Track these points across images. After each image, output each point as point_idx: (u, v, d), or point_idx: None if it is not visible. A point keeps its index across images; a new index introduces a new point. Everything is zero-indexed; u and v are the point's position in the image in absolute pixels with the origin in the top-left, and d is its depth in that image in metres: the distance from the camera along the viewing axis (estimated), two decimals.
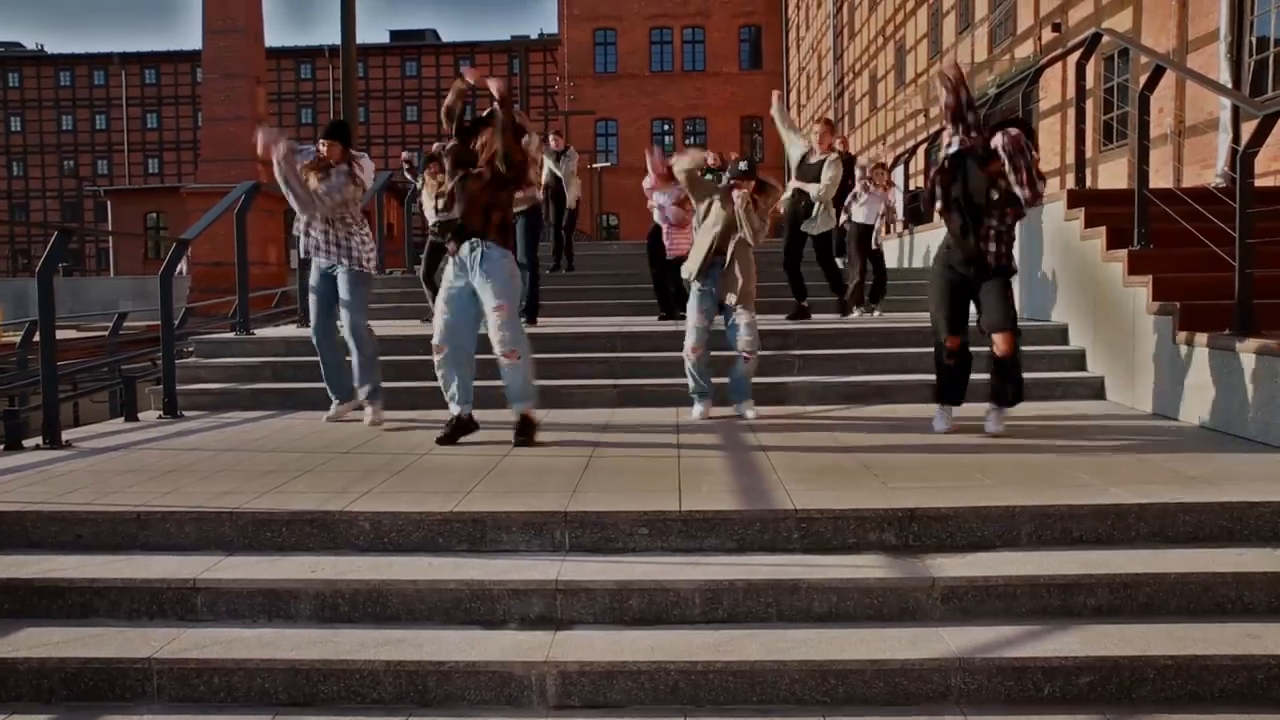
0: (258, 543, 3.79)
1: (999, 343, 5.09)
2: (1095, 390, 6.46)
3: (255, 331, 8.10)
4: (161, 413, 6.42)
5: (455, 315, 5.17)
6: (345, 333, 5.87)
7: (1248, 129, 9.27)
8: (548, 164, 11.53)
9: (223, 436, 5.64)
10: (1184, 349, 5.52)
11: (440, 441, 5.17)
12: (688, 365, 5.94)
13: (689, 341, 5.90)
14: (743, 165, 6.01)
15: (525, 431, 5.19)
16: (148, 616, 3.45)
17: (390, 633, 3.34)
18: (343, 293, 5.85)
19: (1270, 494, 3.78)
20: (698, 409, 6.00)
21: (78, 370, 8.86)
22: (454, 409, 5.28)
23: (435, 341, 5.22)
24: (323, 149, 5.81)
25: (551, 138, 11.96)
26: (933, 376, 5.49)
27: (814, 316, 8.37)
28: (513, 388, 5.22)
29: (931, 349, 5.48)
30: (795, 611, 3.39)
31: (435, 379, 6.86)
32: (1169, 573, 3.39)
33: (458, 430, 5.25)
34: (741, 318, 5.85)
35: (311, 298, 6.05)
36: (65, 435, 5.46)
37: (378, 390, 5.93)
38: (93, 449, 5.26)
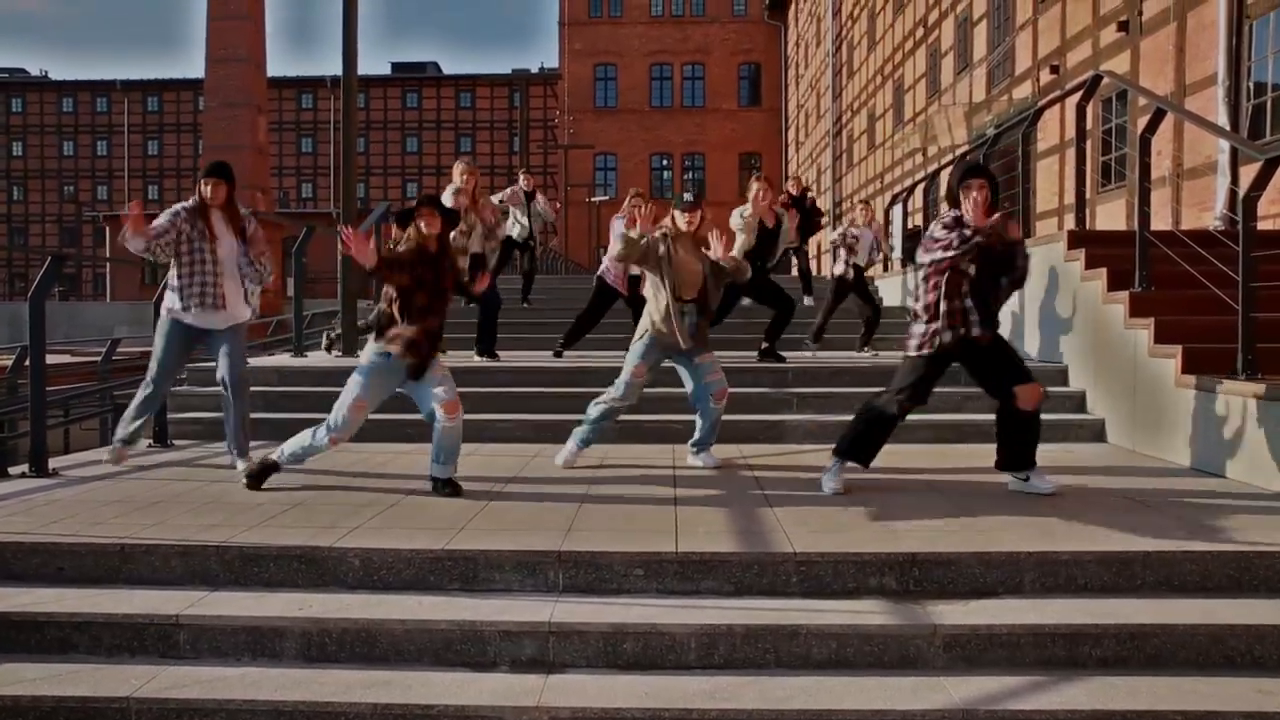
0: (244, 578, 3.70)
1: (1029, 394, 4.56)
2: (1096, 433, 6.40)
3: (249, 360, 8.01)
4: (151, 441, 6.33)
5: (376, 395, 4.81)
6: (228, 382, 5.49)
7: (1246, 172, 9.33)
8: (514, 213, 10.79)
9: (211, 467, 5.55)
10: (1186, 392, 5.47)
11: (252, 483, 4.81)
12: (598, 410, 5.50)
13: (622, 397, 5.46)
14: (688, 196, 5.59)
15: (455, 490, 4.78)
16: (129, 653, 3.36)
17: (377, 674, 3.25)
18: (229, 343, 5.46)
19: (1278, 543, 3.71)
20: (572, 451, 5.56)
21: (69, 397, 8.76)
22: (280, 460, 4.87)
23: (338, 432, 4.75)
24: (206, 191, 5.32)
25: (522, 177, 10.94)
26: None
27: (813, 355, 8.30)
28: (449, 449, 4.79)
29: None
30: (794, 658, 3.31)
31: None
32: (1177, 624, 3.31)
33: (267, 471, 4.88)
34: (707, 357, 5.50)
35: (169, 341, 5.47)
36: (52, 463, 5.37)
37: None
38: (79, 478, 5.18)
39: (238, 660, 3.34)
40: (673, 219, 5.57)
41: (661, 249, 5.41)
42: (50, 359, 5.68)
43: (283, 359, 8.66)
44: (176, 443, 6.38)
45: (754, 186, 8.04)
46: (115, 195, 64.16)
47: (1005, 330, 8.03)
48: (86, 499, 4.62)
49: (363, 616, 3.40)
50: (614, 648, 3.32)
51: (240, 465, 5.33)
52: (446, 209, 4.99)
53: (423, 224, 4.85)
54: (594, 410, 5.52)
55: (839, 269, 9.57)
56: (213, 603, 3.51)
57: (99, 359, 12.01)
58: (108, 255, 45.13)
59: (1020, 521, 4.10)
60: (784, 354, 8.09)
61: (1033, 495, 4.66)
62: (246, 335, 5.70)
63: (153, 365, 5.54)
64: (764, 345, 8.09)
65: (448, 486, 4.78)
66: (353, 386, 4.75)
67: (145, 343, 6.56)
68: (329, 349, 9.19)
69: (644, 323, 5.50)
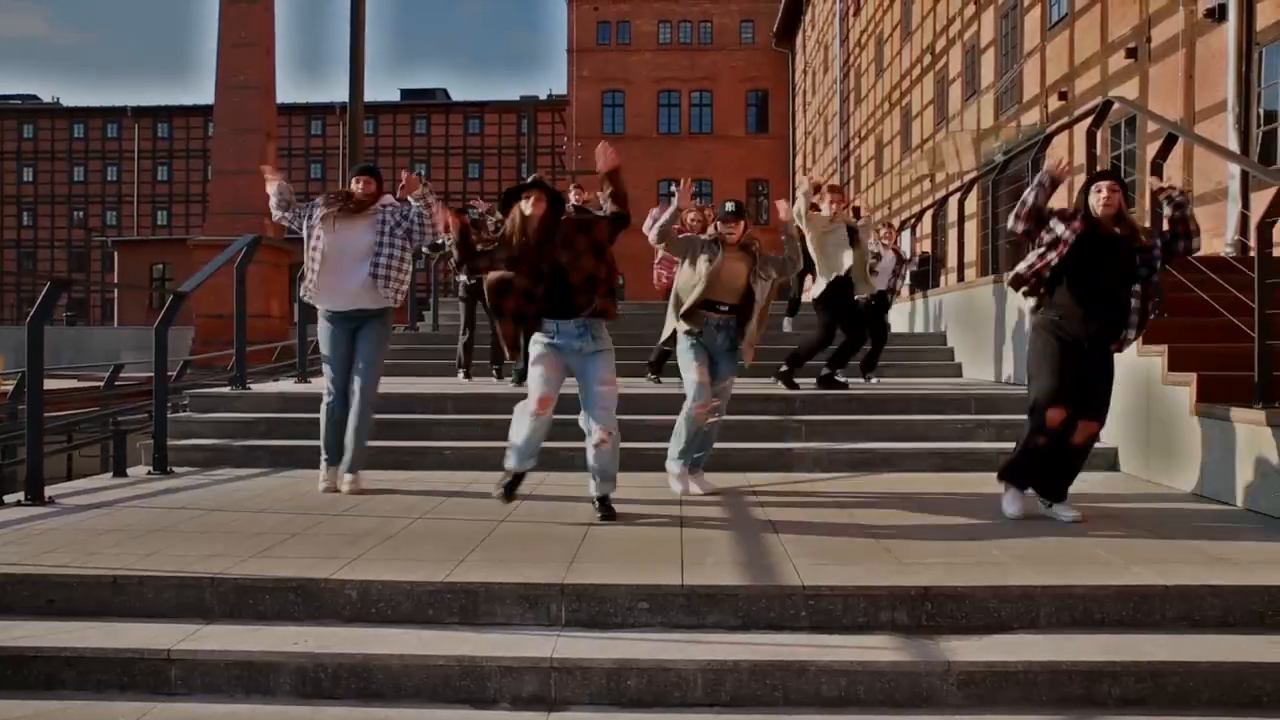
0: (239, 611, 3.61)
1: (1083, 429, 4.74)
2: (1109, 461, 6.29)
3: (252, 386, 7.97)
4: (151, 468, 6.26)
5: (558, 372, 4.76)
6: (358, 395, 5.49)
7: (1257, 198, 9.26)
8: None
9: (211, 495, 5.47)
10: (1201, 421, 5.37)
11: (507, 498, 4.88)
12: (688, 429, 5.44)
13: (693, 399, 5.34)
14: (729, 206, 5.47)
15: (609, 513, 4.79)
16: (118, 689, 3.26)
17: (373, 711, 3.16)
18: (370, 346, 5.54)
19: None
20: (692, 484, 5.50)
21: (69, 423, 8.71)
22: (518, 466, 4.85)
23: (542, 394, 4.69)
24: (357, 187, 5.50)
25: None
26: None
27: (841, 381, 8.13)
28: (607, 470, 4.78)
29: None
30: (803, 695, 3.20)
31: (431, 439, 6.74)
32: (1200, 661, 3.20)
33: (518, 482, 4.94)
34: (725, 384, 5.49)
35: (334, 355, 5.52)
36: (49, 491, 5.29)
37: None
38: (76, 506, 5.10)
39: (230, 696, 3.24)
40: (715, 228, 5.48)
41: (705, 255, 5.34)
42: (55, 384, 5.63)
43: (286, 385, 8.60)
44: (176, 469, 6.30)
45: (828, 197, 8.02)
46: (124, 221, 64.47)
47: (1018, 356, 7.94)
48: (82, 528, 4.54)
49: (359, 651, 3.30)
50: (618, 684, 3.22)
51: (350, 478, 5.46)
52: (555, 191, 4.82)
53: (527, 205, 4.67)
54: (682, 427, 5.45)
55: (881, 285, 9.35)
56: (206, 636, 3.42)
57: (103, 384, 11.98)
58: (115, 281, 45.30)
59: (1035, 554, 4.00)
60: (843, 379, 8.03)
61: (1048, 526, 4.56)
62: (383, 336, 5.65)
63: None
64: (824, 371, 8.00)
65: (603, 507, 4.77)
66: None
67: (149, 368, 6.49)
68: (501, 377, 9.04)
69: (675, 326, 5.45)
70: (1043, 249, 4.66)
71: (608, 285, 4.75)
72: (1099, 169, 5.08)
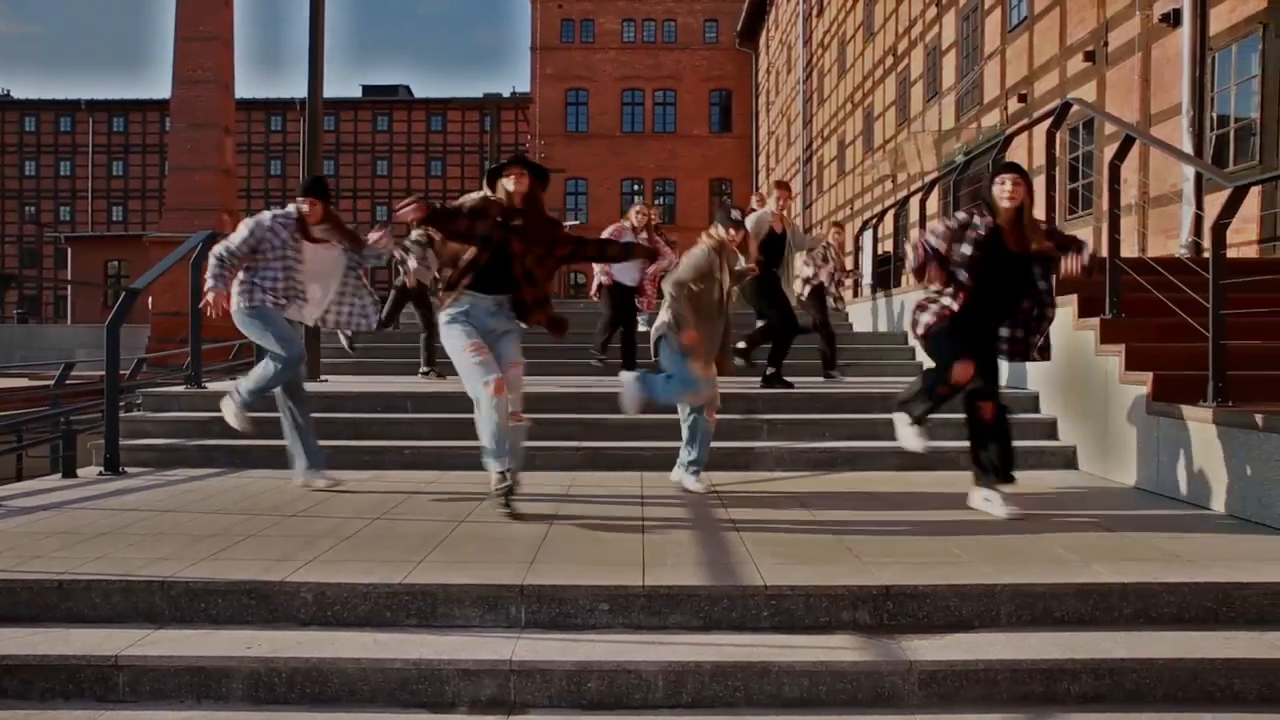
0: (190, 615, 3.52)
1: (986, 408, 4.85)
2: (1067, 460, 6.35)
3: (208, 385, 7.83)
4: (102, 469, 6.12)
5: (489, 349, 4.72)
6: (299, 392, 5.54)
7: (1211, 200, 9.41)
8: None
9: (164, 496, 5.36)
10: (1158, 420, 5.43)
11: (515, 515, 4.67)
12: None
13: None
14: (736, 214, 5.51)
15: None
16: (63, 698, 3.17)
17: (328, 716, 3.10)
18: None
19: (1256, 574, 3.65)
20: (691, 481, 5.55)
21: (17, 422, 8.50)
22: (500, 466, 4.70)
23: (492, 378, 4.59)
24: (305, 208, 5.29)
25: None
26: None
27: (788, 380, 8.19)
28: (519, 451, 4.84)
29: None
30: (765, 696, 3.19)
31: (390, 438, 6.65)
32: (1156, 658, 3.23)
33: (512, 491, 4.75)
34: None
35: (287, 343, 5.35)
36: None
37: None
38: (22, 508, 4.96)
39: (180, 703, 3.16)
40: (718, 233, 5.46)
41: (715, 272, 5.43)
42: (4, 383, 5.47)
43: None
44: (128, 470, 6.17)
45: (774, 193, 8.16)
46: (78, 216, 63.26)
47: None
48: (27, 530, 4.42)
49: (314, 655, 3.23)
50: (578, 686, 3.18)
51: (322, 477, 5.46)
52: (540, 168, 4.85)
53: (509, 182, 4.73)
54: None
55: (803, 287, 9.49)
56: (156, 641, 3.33)
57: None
58: (69, 278, 44.45)
59: (994, 552, 4.02)
60: (790, 380, 8.03)
61: (1008, 525, 4.57)
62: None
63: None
64: (769, 371, 7.98)
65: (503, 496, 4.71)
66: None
67: (103, 366, 6.33)
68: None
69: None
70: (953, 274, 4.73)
71: (546, 291, 4.89)
72: (1007, 161, 5.14)
